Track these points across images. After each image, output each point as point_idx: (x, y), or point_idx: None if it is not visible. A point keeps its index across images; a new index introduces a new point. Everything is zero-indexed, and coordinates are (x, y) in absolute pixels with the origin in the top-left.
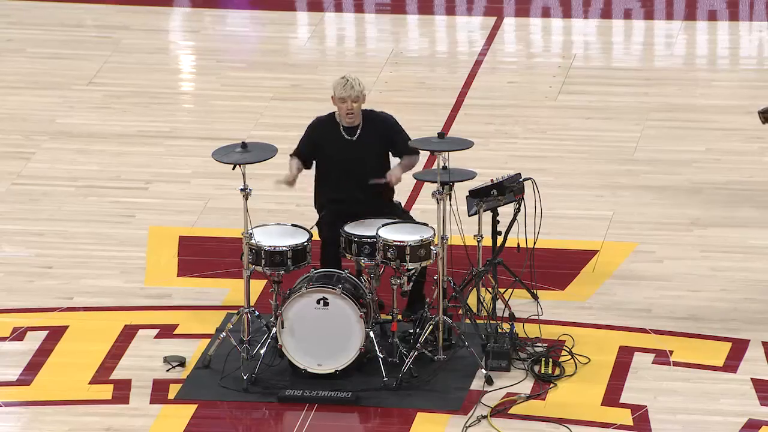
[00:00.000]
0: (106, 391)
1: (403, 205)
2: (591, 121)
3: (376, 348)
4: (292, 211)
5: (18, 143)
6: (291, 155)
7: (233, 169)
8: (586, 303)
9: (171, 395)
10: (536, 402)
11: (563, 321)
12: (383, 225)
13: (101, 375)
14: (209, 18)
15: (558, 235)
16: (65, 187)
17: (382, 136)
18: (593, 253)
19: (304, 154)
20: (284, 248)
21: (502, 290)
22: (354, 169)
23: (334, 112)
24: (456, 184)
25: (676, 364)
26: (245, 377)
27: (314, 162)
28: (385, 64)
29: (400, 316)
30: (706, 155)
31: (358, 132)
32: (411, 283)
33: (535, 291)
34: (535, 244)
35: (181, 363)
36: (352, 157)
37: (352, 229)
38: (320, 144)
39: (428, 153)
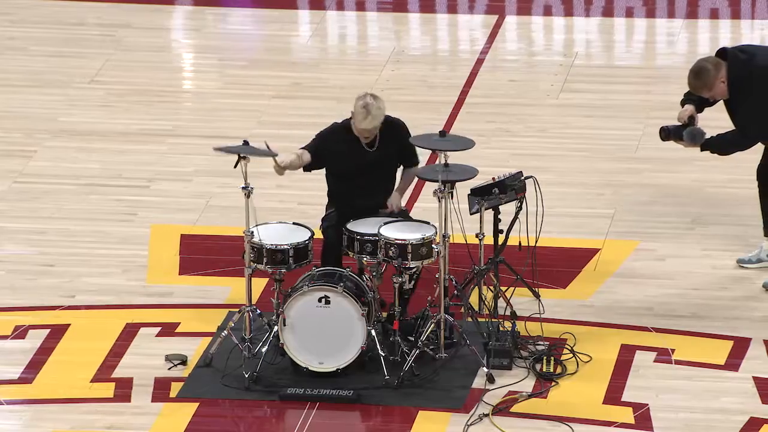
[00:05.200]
0: (107, 389)
1: (404, 203)
2: (592, 119)
3: (378, 346)
4: (294, 209)
5: (20, 141)
6: (303, 148)
7: (235, 167)
8: (587, 301)
9: (172, 393)
10: (538, 400)
11: (565, 319)
12: (385, 223)
13: (103, 373)
14: (211, 16)
15: (559, 233)
16: (67, 186)
17: (399, 144)
18: (595, 251)
19: (314, 155)
20: (286, 246)
21: (503, 288)
22: (371, 177)
23: (351, 121)
24: (457, 182)
25: (677, 362)
26: (247, 375)
27: (322, 169)
28: (386, 62)
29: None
30: (708, 153)
31: (377, 142)
32: (413, 282)
33: (536, 289)
34: (536, 242)
35: (183, 361)
36: (371, 166)
37: (354, 227)
38: (336, 153)
39: (430, 152)
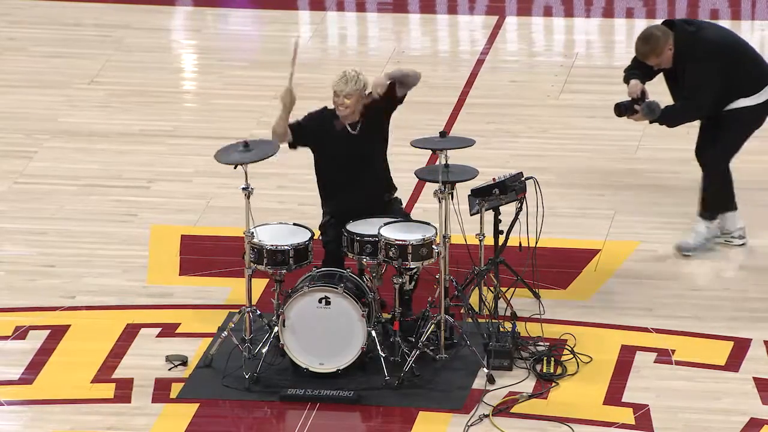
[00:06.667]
0: (108, 390)
1: (404, 204)
2: (593, 120)
3: (378, 347)
4: (294, 210)
5: (20, 142)
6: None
7: (235, 168)
8: (587, 302)
9: (173, 394)
10: (538, 401)
11: (565, 320)
12: (385, 224)
13: (103, 374)
14: (211, 17)
15: (560, 234)
16: (67, 186)
17: (383, 116)
18: (595, 252)
19: (297, 130)
20: (286, 247)
21: (503, 289)
22: (355, 161)
23: None
24: (458, 183)
25: (678, 363)
26: (247, 376)
27: (305, 146)
28: (387, 63)
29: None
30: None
31: (359, 125)
32: (414, 283)
33: (536, 290)
34: (536, 243)
35: (183, 362)
36: (354, 147)
37: (354, 228)
38: (319, 132)
39: (430, 152)
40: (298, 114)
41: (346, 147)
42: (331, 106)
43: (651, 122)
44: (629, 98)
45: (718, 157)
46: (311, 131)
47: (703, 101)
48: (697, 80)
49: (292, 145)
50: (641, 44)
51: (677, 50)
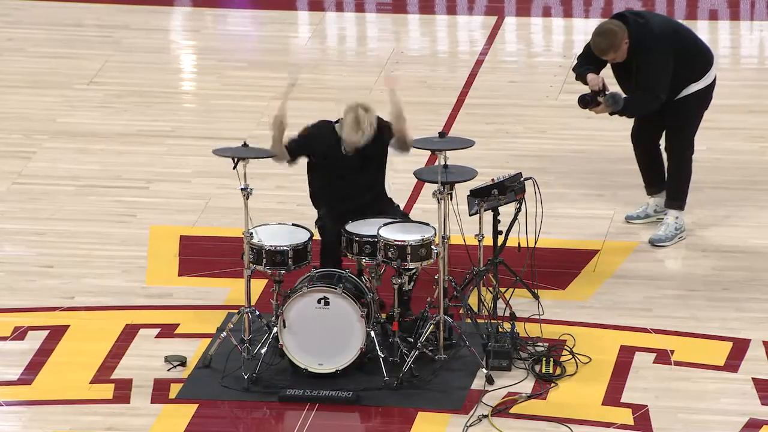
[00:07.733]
0: (107, 390)
1: (403, 206)
2: (592, 120)
3: (377, 347)
4: (293, 210)
5: (19, 143)
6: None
7: (234, 168)
8: (586, 302)
9: (172, 395)
10: (537, 401)
11: (564, 320)
12: (384, 224)
13: (102, 374)
14: (210, 17)
15: (559, 234)
16: (66, 187)
17: (383, 142)
18: (594, 252)
19: (295, 152)
20: (285, 247)
21: (503, 290)
22: (353, 179)
23: (338, 123)
24: (457, 183)
25: (677, 363)
26: (246, 377)
27: (306, 162)
28: (386, 63)
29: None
30: (707, 154)
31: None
32: (413, 283)
33: (536, 290)
34: (536, 243)
35: (182, 362)
36: (353, 168)
37: (353, 228)
38: (319, 149)
39: (429, 152)
40: (295, 116)
41: (342, 164)
42: (328, 118)
43: (611, 114)
44: (591, 91)
45: (683, 147)
46: (311, 143)
47: (661, 90)
48: (652, 70)
49: (291, 162)
50: (600, 40)
51: (631, 43)
